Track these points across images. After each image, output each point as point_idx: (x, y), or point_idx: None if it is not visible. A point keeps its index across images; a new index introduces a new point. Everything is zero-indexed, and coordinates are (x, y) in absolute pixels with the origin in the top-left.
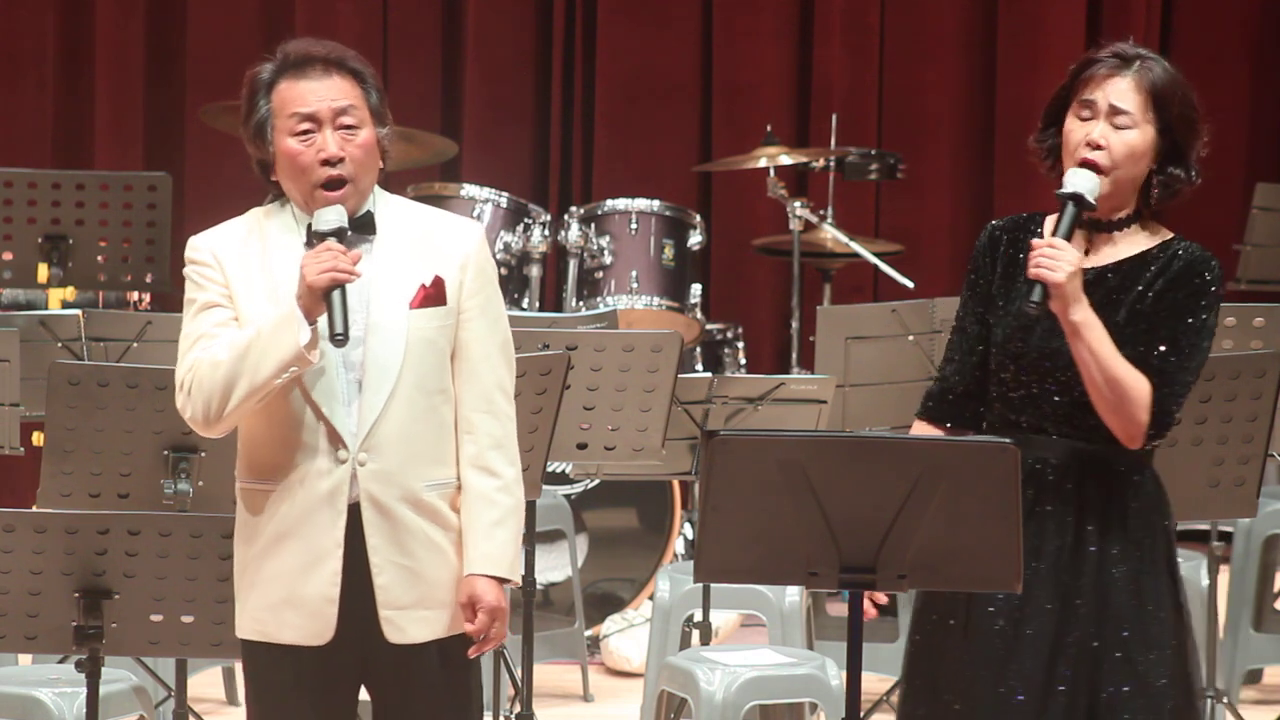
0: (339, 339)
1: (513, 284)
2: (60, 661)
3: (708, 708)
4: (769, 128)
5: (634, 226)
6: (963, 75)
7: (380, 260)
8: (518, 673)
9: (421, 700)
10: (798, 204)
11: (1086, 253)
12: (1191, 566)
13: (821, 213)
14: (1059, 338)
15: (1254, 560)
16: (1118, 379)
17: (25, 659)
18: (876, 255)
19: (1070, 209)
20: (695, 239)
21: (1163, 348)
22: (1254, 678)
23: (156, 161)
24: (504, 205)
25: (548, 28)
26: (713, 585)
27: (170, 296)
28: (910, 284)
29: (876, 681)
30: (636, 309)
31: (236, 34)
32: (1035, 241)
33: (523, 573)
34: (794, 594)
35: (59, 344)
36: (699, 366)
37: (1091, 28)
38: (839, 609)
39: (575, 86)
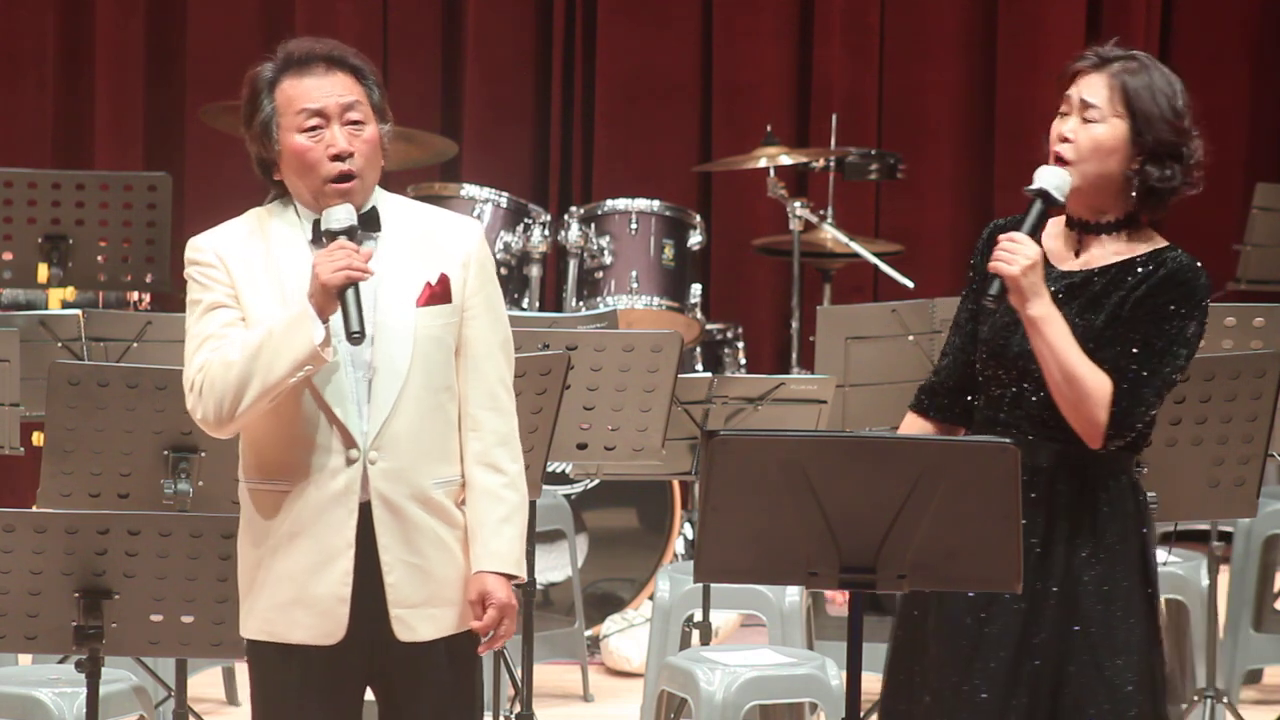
0: (356, 337)
1: (513, 284)
2: (60, 661)
3: (708, 708)
4: (769, 128)
5: (634, 226)
6: (963, 75)
7: (385, 258)
8: (518, 673)
9: (429, 698)
10: (798, 204)
11: (1077, 254)
12: (1191, 566)
13: (821, 213)
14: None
15: (1254, 560)
16: (1076, 376)
17: (25, 659)
18: (876, 255)
19: (1037, 205)
20: (695, 239)
21: (1135, 351)
22: (1254, 678)
23: (156, 161)
24: (504, 205)
25: (548, 28)
26: (713, 585)
27: (170, 296)
28: (910, 284)
29: (876, 681)
30: (636, 309)
31: (236, 34)
32: (1000, 237)
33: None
34: (794, 594)
35: (59, 344)
36: (699, 366)
37: (1091, 28)
38: (839, 609)
39: (575, 86)
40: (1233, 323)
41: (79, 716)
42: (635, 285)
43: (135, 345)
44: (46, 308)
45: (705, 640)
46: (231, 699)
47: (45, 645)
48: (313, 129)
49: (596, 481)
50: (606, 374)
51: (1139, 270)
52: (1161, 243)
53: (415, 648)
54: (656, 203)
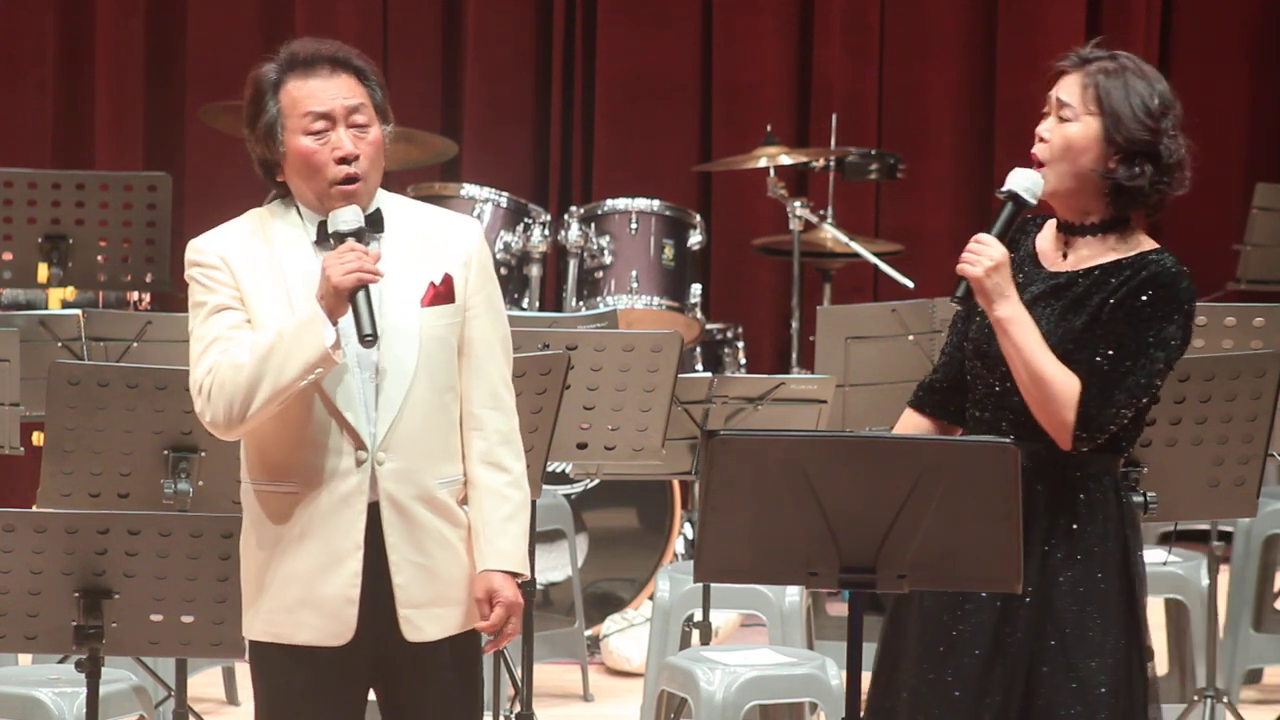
0: (369, 340)
1: (513, 284)
2: (60, 661)
3: (708, 708)
4: (769, 128)
5: (634, 226)
6: (963, 75)
7: (388, 259)
8: (518, 673)
9: (434, 697)
10: (798, 204)
11: (1065, 256)
12: (1191, 566)
13: (821, 213)
14: None
15: (1254, 560)
16: (1043, 377)
17: (25, 659)
18: (876, 255)
19: (1008, 207)
20: (695, 239)
21: (1109, 353)
22: (1254, 678)
23: (156, 161)
24: (504, 205)
25: (548, 28)
26: (713, 585)
27: (170, 296)
28: (910, 284)
29: None
30: (636, 309)
31: (236, 34)
32: (975, 236)
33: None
34: (794, 594)
35: (59, 344)
36: (699, 366)
37: (1091, 28)
38: (839, 609)
39: (575, 86)
40: (1233, 323)
41: (79, 716)
42: (635, 285)
43: (135, 345)
44: (46, 308)
45: (705, 640)
46: (231, 699)
47: (45, 645)
48: (319, 132)
49: (596, 481)
50: (606, 374)
51: (1123, 273)
52: (1149, 245)
53: (421, 647)
54: (656, 203)
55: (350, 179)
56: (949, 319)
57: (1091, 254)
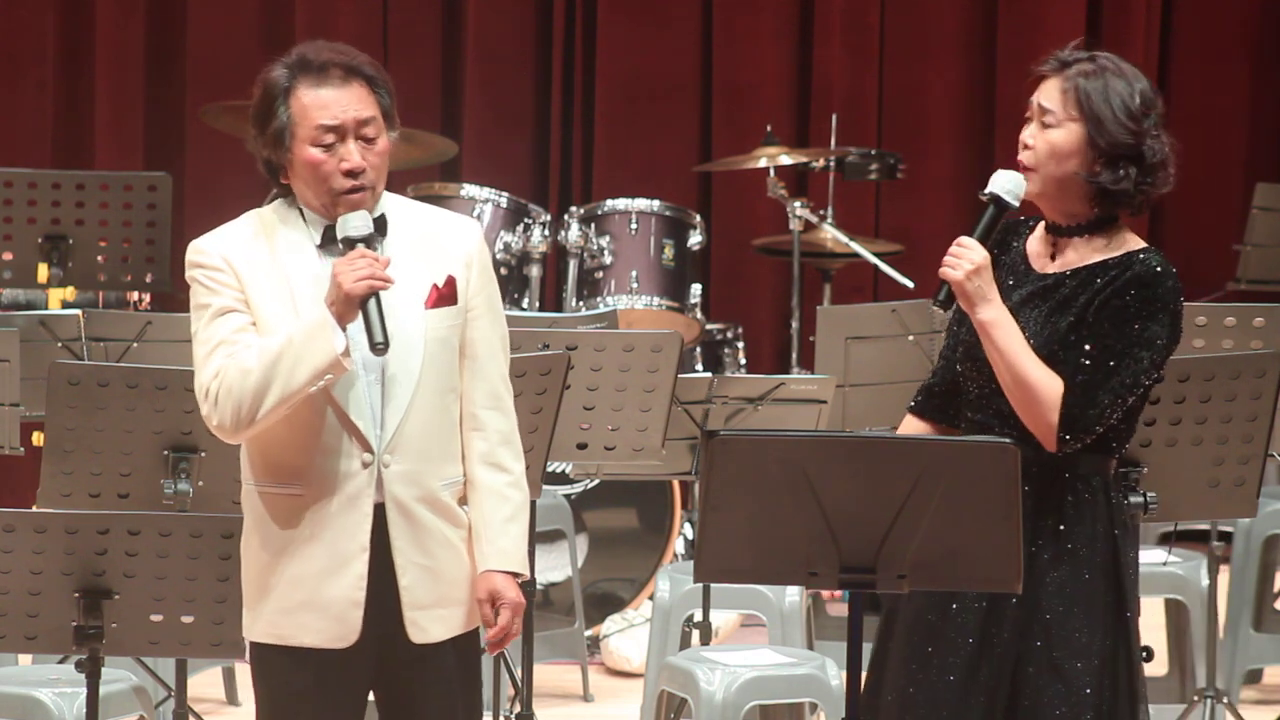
0: (380, 348)
1: (513, 284)
2: (60, 661)
3: (708, 708)
4: (769, 128)
5: (634, 226)
6: (963, 75)
7: (392, 262)
8: (518, 673)
9: (437, 698)
10: (798, 204)
11: (1053, 258)
12: (1191, 566)
13: (821, 213)
14: None
15: (1254, 560)
16: (1026, 379)
17: (25, 659)
18: (876, 255)
19: (990, 210)
20: (695, 239)
21: (1093, 353)
22: (1254, 678)
23: (156, 161)
24: (504, 205)
25: (548, 28)
26: (713, 585)
27: (170, 297)
28: (910, 284)
29: None
30: (636, 309)
31: (236, 34)
32: (956, 239)
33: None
34: (794, 594)
35: (59, 344)
36: (699, 366)
37: (1091, 28)
38: (839, 609)
39: (575, 86)
40: (1233, 323)
41: (79, 716)
42: (635, 285)
43: (135, 345)
44: (46, 308)
45: (705, 640)
46: (231, 699)
47: (45, 645)
48: (327, 145)
49: (596, 481)
50: (606, 374)
51: (1109, 273)
52: (1137, 245)
53: (424, 649)
54: (656, 203)
55: (355, 190)
56: (948, 321)
57: (1079, 255)
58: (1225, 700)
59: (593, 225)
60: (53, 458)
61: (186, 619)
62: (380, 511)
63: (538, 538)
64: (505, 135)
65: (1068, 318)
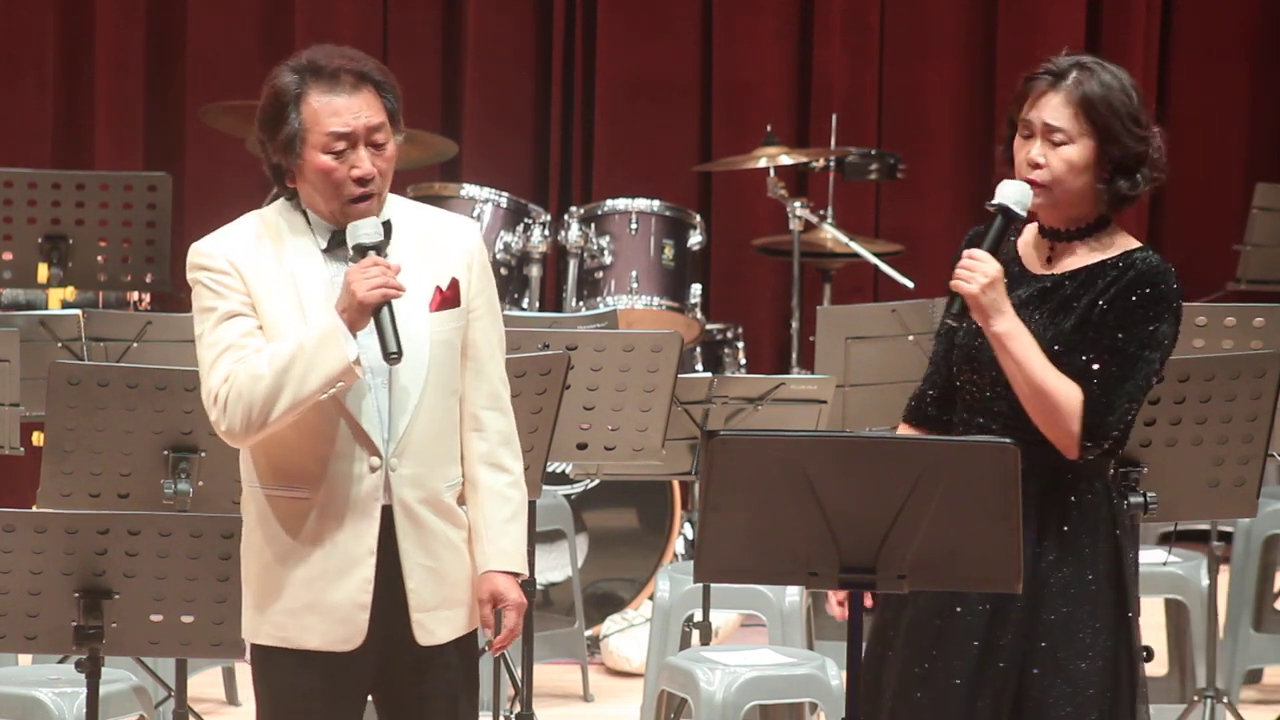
0: (394, 357)
1: (513, 284)
2: (60, 661)
3: (708, 708)
4: (769, 128)
5: (634, 226)
6: (963, 75)
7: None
8: (518, 673)
9: (440, 698)
10: (798, 204)
11: (1049, 261)
12: (1191, 566)
13: (821, 213)
14: None
15: (1254, 560)
16: (1045, 389)
17: (25, 659)
18: (876, 255)
19: (999, 220)
20: (695, 239)
21: (1105, 357)
22: (1254, 678)
23: (156, 161)
24: (504, 205)
25: (548, 28)
26: (713, 585)
27: (170, 296)
28: (910, 284)
29: None
30: (636, 309)
31: (236, 34)
32: (968, 252)
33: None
34: (794, 594)
35: (59, 344)
36: (699, 366)
37: (1091, 28)
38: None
39: (575, 86)
40: (1233, 323)
41: (79, 716)
42: (635, 285)
43: (135, 345)
44: (46, 308)
45: (705, 640)
46: (231, 699)
47: (45, 645)
48: (339, 152)
49: (596, 481)
50: (606, 374)
51: (1110, 273)
52: (1132, 243)
53: (430, 650)
54: (656, 203)
55: (364, 196)
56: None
57: (1077, 257)
58: (1225, 700)
59: (593, 225)
60: (53, 458)
61: (186, 619)
62: (386, 514)
63: (538, 538)
64: (505, 135)
65: (1070, 319)
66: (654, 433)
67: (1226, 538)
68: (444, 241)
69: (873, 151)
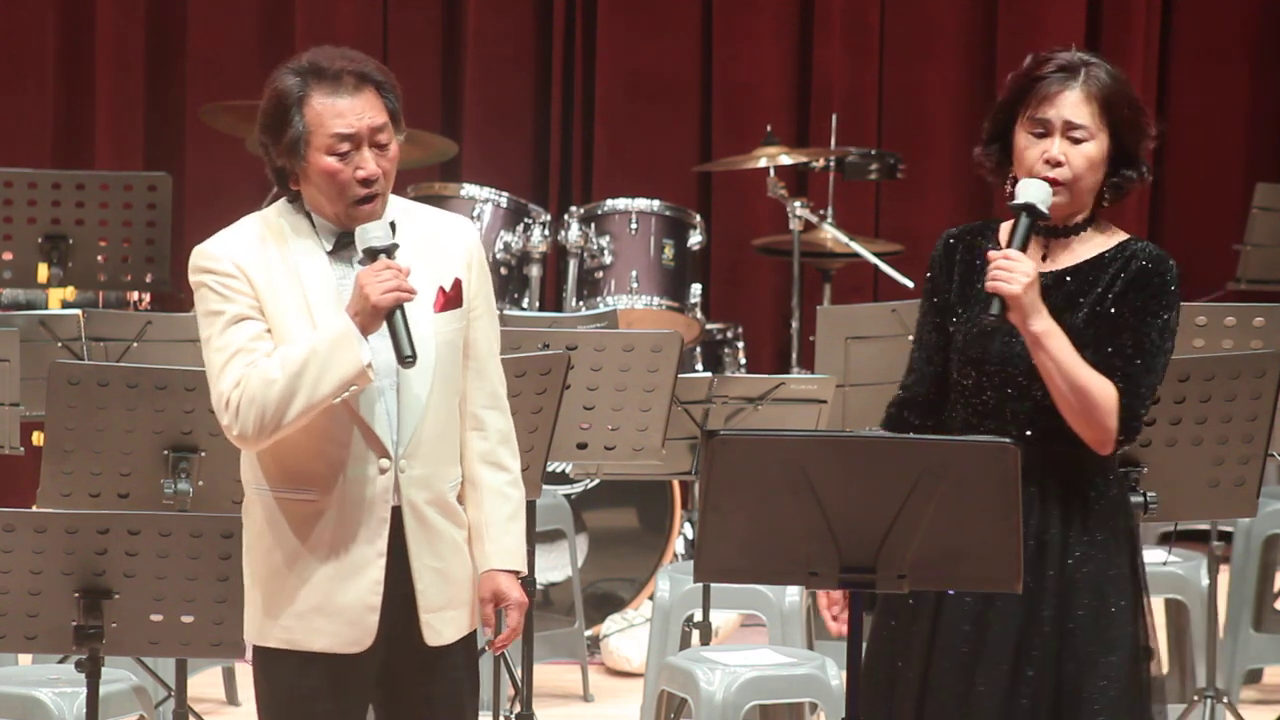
0: (409, 361)
1: (513, 284)
2: (60, 661)
3: (708, 708)
4: (769, 128)
5: (634, 226)
6: (963, 75)
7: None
8: (518, 673)
9: (444, 698)
10: (798, 204)
11: (1045, 258)
12: (1191, 566)
13: (821, 213)
14: (1019, 342)
15: (1254, 560)
16: (1083, 387)
17: (25, 659)
18: (876, 255)
19: (1024, 220)
20: (695, 239)
21: (1129, 352)
22: (1254, 678)
23: (156, 161)
24: (504, 205)
25: (548, 28)
26: (713, 585)
27: (170, 296)
28: (910, 284)
29: None
30: (636, 309)
31: (236, 34)
32: (991, 254)
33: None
34: (794, 594)
35: (59, 344)
36: (699, 366)
37: (1091, 28)
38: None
39: (575, 86)
40: (1233, 323)
41: (79, 716)
42: (635, 285)
43: (135, 345)
44: (46, 308)
45: (705, 640)
46: (231, 699)
47: (45, 645)
48: (343, 153)
49: (596, 481)
50: (606, 374)
51: (1110, 267)
52: (1122, 234)
53: (437, 650)
54: (656, 203)
55: (368, 198)
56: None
57: (1073, 252)
58: (1225, 700)
59: (593, 225)
60: (53, 458)
61: (186, 619)
62: (395, 516)
63: (538, 538)
64: (505, 135)
65: (1080, 314)
66: (654, 432)
67: (1226, 538)
68: (444, 241)
69: (873, 151)
